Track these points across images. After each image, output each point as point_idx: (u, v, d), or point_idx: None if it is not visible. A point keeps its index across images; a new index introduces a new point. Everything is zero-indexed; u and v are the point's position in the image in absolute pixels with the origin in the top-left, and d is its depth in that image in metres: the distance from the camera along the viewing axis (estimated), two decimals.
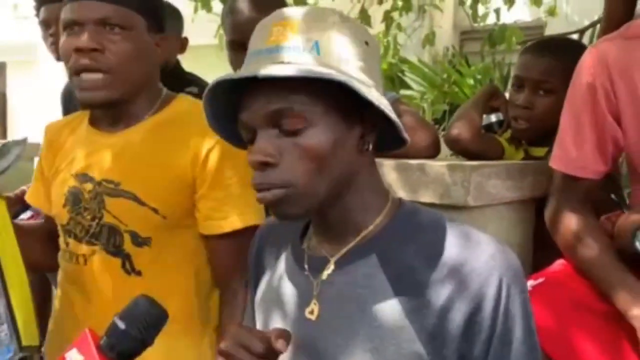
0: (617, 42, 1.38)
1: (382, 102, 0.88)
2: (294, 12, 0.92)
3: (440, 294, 0.87)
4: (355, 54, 0.90)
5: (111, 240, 1.32)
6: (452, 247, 0.89)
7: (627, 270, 1.31)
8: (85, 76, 1.27)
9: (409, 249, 0.91)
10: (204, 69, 2.60)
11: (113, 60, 1.26)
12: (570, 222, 1.40)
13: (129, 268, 1.32)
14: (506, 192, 1.55)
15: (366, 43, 0.92)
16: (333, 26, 0.90)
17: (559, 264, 1.45)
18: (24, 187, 1.98)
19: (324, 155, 0.87)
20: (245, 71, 0.87)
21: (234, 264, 1.33)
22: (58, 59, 2.62)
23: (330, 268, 0.94)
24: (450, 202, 1.46)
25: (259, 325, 1.04)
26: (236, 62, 1.78)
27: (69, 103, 2.48)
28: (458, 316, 0.86)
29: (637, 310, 1.25)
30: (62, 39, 1.29)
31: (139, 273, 1.32)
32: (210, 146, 1.29)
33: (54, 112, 2.57)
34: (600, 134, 1.37)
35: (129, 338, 0.85)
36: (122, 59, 1.27)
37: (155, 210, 1.30)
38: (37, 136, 1.69)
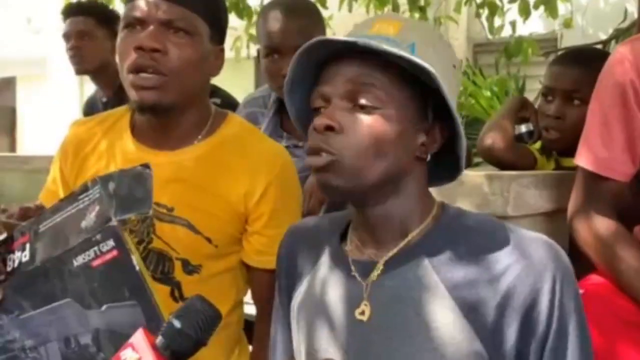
0: None
1: (456, 115, 0.91)
2: (398, 16, 0.97)
3: (495, 294, 0.88)
4: (443, 69, 0.92)
5: (159, 267, 1.28)
6: (502, 247, 0.90)
7: None
8: (143, 75, 1.20)
9: (459, 250, 0.92)
10: (219, 82, 2.60)
11: (173, 63, 1.20)
12: (598, 225, 1.37)
13: (178, 296, 1.29)
14: (544, 203, 1.54)
15: (454, 66, 0.96)
16: (431, 37, 0.95)
17: (595, 277, 1.43)
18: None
19: (385, 141, 0.90)
20: (344, 38, 0.90)
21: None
22: (78, 72, 2.64)
23: (379, 269, 0.95)
24: (488, 212, 1.45)
25: (301, 331, 1.04)
26: (271, 70, 1.78)
27: (92, 114, 2.48)
28: (514, 314, 0.88)
29: None
30: (121, 35, 1.24)
31: (186, 300, 1.29)
32: (265, 185, 1.28)
33: (64, 126, 2.57)
34: (630, 133, 1.35)
35: (184, 337, 0.84)
36: (182, 64, 1.21)
37: (208, 240, 1.27)
38: (46, 150, 1.63)
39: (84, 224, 1.07)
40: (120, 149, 1.34)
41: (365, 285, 0.95)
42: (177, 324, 0.84)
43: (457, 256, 0.92)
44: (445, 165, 0.99)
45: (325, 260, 1.03)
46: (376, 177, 0.91)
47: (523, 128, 1.90)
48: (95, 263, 1.04)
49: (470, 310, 0.89)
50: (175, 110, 1.26)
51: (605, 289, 1.37)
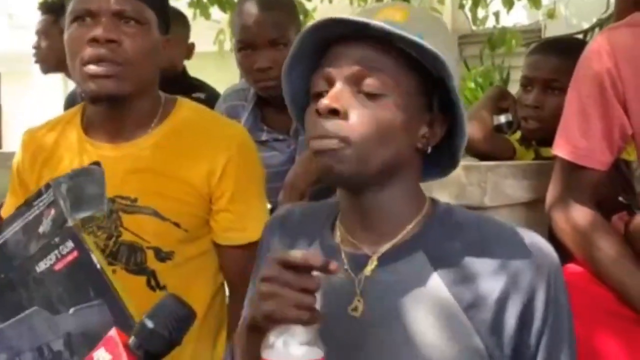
0: (623, 30, 1.37)
1: (462, 106, 0.90)
2: (405, 4, 0.95)
3: (493, 289, 0.88)
4: (449, 60, 0.90)
5: (132, 258, 1.28)
6: (497, 243, 0.91)
7: None
8: (99, 65, 1.20)
9: (454, 245, 0.91)
10: (202, 76, 2.60)
11: (128, 53, 1.22)
12: (576, 214, 1.38)
13: (155, 284, 1.29)
14: (522, 193, 1.54)
15: (456, 61, 0.96)
16: (438, 28, 0.93)
17: (573, 266, 1.43)
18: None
19: (389, 129, 0.88)
20: (357, 18, 0.88)
21: (248, 271, 1.31)
22: (42, 71, 2.63)
23: (373, 264, 0.92)
24: (466, 203, 1.45)
25: None
26: (245, 64, 1.78)
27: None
28: (513, 308, 0.88)
29: None
30: (70, 29, 1.24)
31: (163, 288, 1.30)
32: (225, 161, 1.29)
33: None
34: (608, 123, 1.35)
35: (157, 337, 0.83)
36: (136, 53, 1.23)
37: (177, 225, 1.28)
38: None
39: (41, 229, 1.06)
40: (75, 149, 1.34)
41: (358, 280, 0.92)
42: (149, 324, 0.83)
43: (455, 252, 0.91)
44: (437, 159, 0.97)
45: (314, 250, 0.99)
46: (379, 165, 0.89)
47: (502, 118, 1.90)
48: (58, 266, 1.04)
49: (469, 306, 0.88)
50: (130, 99, 1.27)
51: (582, 278, 1.38)
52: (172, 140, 1.30)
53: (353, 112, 0.87)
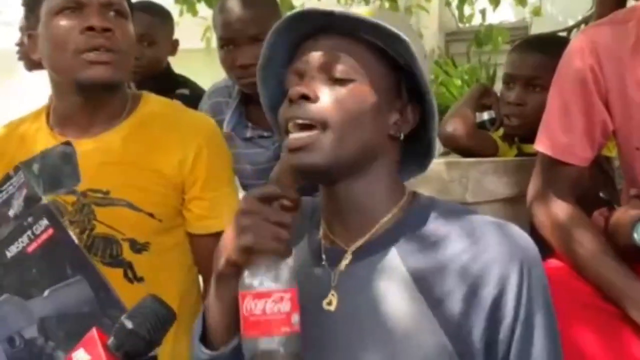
0: (606, 28, 1.38)
1: (431, 95, 0.92)
2: (369, 7, 1.00)
3: (462, 284, 0.88)
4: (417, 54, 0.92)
5: (107, 251, 1.29)
6: (471, 237, 0.90)
7: (634, 276, 1.30)
8: (98, 52, 1.23)
9: (427, 241, 0.91)
10: (190, 73, 2.59)
11: (121, 42, 1.26)
12: (556, 209, 1.39)
13: (132, 276, 1.30)
14: (503, 189, 1.56)
15: (425, 56, 0.96)
16: (402, 28, 0.92)
17: (554, 261, 1.44)
18: None
19: (361, 112, 0.89)
20: (322, 9, 0.90)
21: None
22: (27, 69, 2.60)
23: (347, 259, 0.94)
24: (448, 199, 1.45)
25: None
26: (227, 61, 1.79)
27: None
28: (482, 304, 0.87)
29: None
30: (57, 20, 1.25)
31: (141, 280, 1.31)
32: (196, 150, 1.31)
33: None
34: (589, 119, 1.36)
35: (136, 338, 0.84)
36: (127, 43, 1.28)
37: (151, 215, 1.29)
38: None
39: (11, 212, 1.06)
40: (39, 146, 1.31)
41: (334, 274, 0.94)
42: (129, 324, 0.84)
43: (425, 246, 0.91)
44: (414, 155, 0.99)
45: (302, 245, 1.01)
46: (353, 151, 0.90)
47: (485, 115, 1.92)
48: (31, 248, 1.03)
49: (436, 303, 0.88)
50: (113, 90, 1.30)
51: (563, 272, 1.39)
52: (141, 132, 1.32)
53: (324, 95, 0.89)
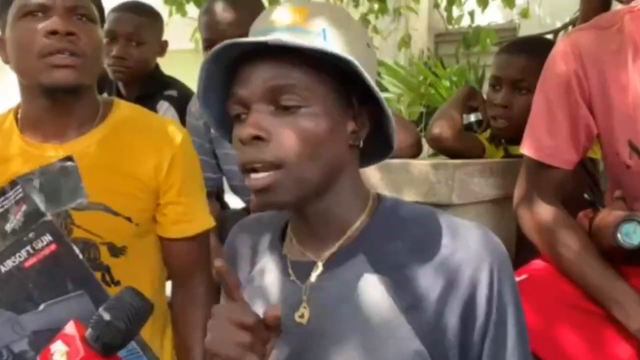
0: (589, 32, 1.38)
1: (380, 95, 0.88)
2: (303, 2, 0.93)
3: (434, 287, 0.87)
4: (358, 50, 0.89)
5: (85, 254, 1.27)
6: (440, 239, 0.89)
7: (618, 277, 1.31)
8: (61, 55, 1.22)
9: (395, 245, 0.90)
10: (179, 74, 2.58)
11: (86, 47, 1.25)
12: (541, 211, 1.40)
13: (109, 280, 1.30)
14: (489, 190, 1.57)
15: (367, 45, 0.93)
16: (341, 18, 0.91)
17: (539, 262, 1.46)
18: None
19: (318, 139, 0.86)
20: (253, 39, 0.86)
21: (195, 263, 1.39)
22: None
23: (318, 270, 0.92)
24: (434, 201, 1.47)
25: None
26: None
27: None
28: (454, 307, 0.86)
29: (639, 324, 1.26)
30: (21, 23, 1.25)
31: (117, 283, 1.31)
32: (171, 155, 1.33)
33: None
34: (574, 122, 1.37)
35: (114, 330, 0.84)
36: (92, 47, 1.26)
37: (129, 219, 1.30)
38: None
39: (9, 226, 1.05)
40: (11, 151, 1.32)
41: (305, 287, 0.92)
42: (106, 316, 0.84)
43: (396, 252, 0.89)
44: (375, 145, 0.95)
45: (264, 262, 0.99)
46: (317, 179, 0.88)
47: (472, 117, 1.93)
48: (29, 263, 1.03)
49: (408, 309, 0.87)
50: (80, 95, 1.29)
51: (548, 273, 1.40)
52: (115, 137, 1.32)
53: (276, 132, 0.85)
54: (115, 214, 1.28)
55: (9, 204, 1.07)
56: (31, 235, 1.03)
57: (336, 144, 0.89)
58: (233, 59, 0.90)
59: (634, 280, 1.31)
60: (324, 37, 0.87)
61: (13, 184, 1.09)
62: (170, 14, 4.14)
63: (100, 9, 1.35)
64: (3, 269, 1.03)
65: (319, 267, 0.92)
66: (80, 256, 1.04)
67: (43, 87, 1.25)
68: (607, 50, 1.33)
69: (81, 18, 1.26)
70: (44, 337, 1.01)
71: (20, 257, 1.03)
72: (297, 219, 0.95)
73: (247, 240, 1.04)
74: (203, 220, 1.39)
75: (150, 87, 2.23)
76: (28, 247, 1.03)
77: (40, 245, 1.03)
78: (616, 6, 2.19)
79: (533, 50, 1.80)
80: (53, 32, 1.22)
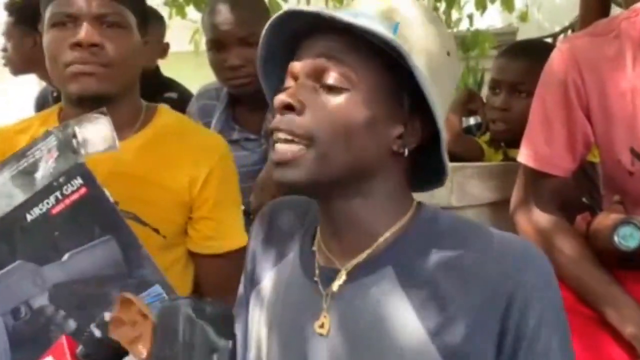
0: (586, 39, 1.38)
1: (437, 106, 0.81)
2: None
3: (466, 308, 0.80)
4: (435, 53, 0.84)
5: None
6: (478, 255, 0.82)
7: (613, 281, 1.31)
8: (83, 65, 1.22)
9: (428, 260, 0.83)
10: (178, 76, 2.59)
11: (111, 57, 1.23)
12: (539, 218, 1.40)
13: None
14: (488, 193, 1.57)
15: (448, 53, 0.86)
16: (423, 18, 0.85)
17: None
18: None
19: (352, 127, 0.81)
20: (306, 9, 0.82)
21: (227, 282, 1.29)
22: (13, 74, 2.59)
23: (341, 280, 0.86)
24: (433, 203, 1.46)
25: (253, 336, 0.96)
26: (216, 62, 1.80)
27: (44, 108, 2.45)
28: (488, 332, 0.80)
29: (633, 329, 1.25)
30: (51, 34, 1.25)
31: None
32: (208, 170, 1.31)
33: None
34: (571, 130, 1.37)
35: (104, 346, 0.84)
36: (119, 56, 1.24)
37: (156, 231, 1.28)
38: None
39: (38, 174, 1.03)
40: None
41: (326, 294, 0.86)
42: (97, 333, 0.84)
43: (427, 267, 0.83)
44: (431, 167, 0.89)
45: (292, 258, 0.93)
46: (342, 168, 0.81)
47: (471, 120, 1.94)
48: (56, 209, 1.01)
49: (436, 330, 0.80)
50: (113, 101, 1.27)
51: None
52: (154, 146, 1.31)
53: (311, 106, 0.81)
54: (144, 224, 1.26)
55: (40, 153, 1.06)
56: (61, 179, 1.01)
57: (374, 142, 0.82)
58: (294, 34, 0.86)
59: (630, 284, 1.31)
60: (394, 31, 0.81)
61: (47, 134, 1.08)
62: (170, 16, 4.15)
63: (144, 11, 1.33)
64: (30, 218, 1.00)
65: (343, 276, 0.86)
66: (111, 199, 1.02)
67: (73, 96, 1.26)
68: (604, 57, 1.33)
69: (111, 26, 1.24)
70: (64, 291, 0.99)
71: (48, 203, 1.00)
72: (324, 220, 0.89)
73: (287, 222, 0.97)
74: (236, 238, 1.35)
75: (150, 90, 2.22)
76: (57, 193, 1.01)
77: (69, 190, 1.01)
78: (616, 10, 2.20)
79: (533, 53, 1.80)
80: (77, 44, 1.21)
